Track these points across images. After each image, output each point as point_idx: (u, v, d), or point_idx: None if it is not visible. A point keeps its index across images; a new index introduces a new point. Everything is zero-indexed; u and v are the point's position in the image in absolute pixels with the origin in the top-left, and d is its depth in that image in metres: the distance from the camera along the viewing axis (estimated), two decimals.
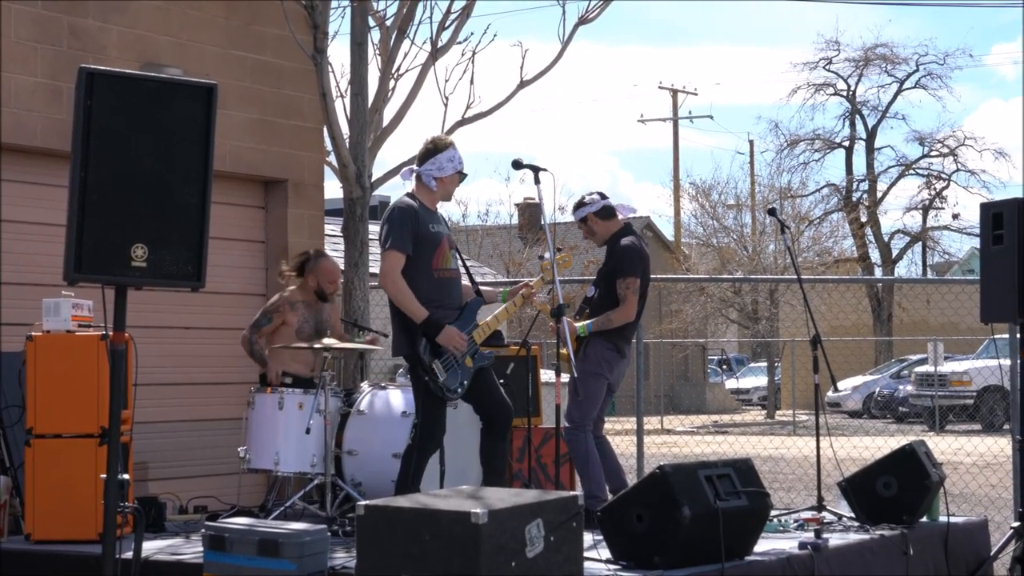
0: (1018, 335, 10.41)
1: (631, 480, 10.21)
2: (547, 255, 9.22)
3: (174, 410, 11.89)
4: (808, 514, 10.03)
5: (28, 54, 10.90)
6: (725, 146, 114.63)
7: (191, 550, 8.79)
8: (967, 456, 16.94)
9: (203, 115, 6.44)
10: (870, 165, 50.67)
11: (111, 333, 6.41)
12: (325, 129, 12.31)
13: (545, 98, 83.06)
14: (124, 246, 6.24)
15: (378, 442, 10.00)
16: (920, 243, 50.88)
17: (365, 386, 10.66)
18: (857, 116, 51.08)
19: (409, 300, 8.66)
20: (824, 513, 10.01)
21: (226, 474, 11.27)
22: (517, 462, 10.55)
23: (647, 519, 7.98)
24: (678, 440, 23.05)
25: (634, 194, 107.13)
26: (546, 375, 12.40)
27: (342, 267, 11.90)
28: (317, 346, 9.99)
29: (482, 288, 9.37)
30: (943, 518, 10.12)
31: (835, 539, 9.17)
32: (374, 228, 12.99)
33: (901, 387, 35.13)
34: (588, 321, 9.89)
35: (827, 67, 50.65)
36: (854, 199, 49.59)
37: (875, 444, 16.14)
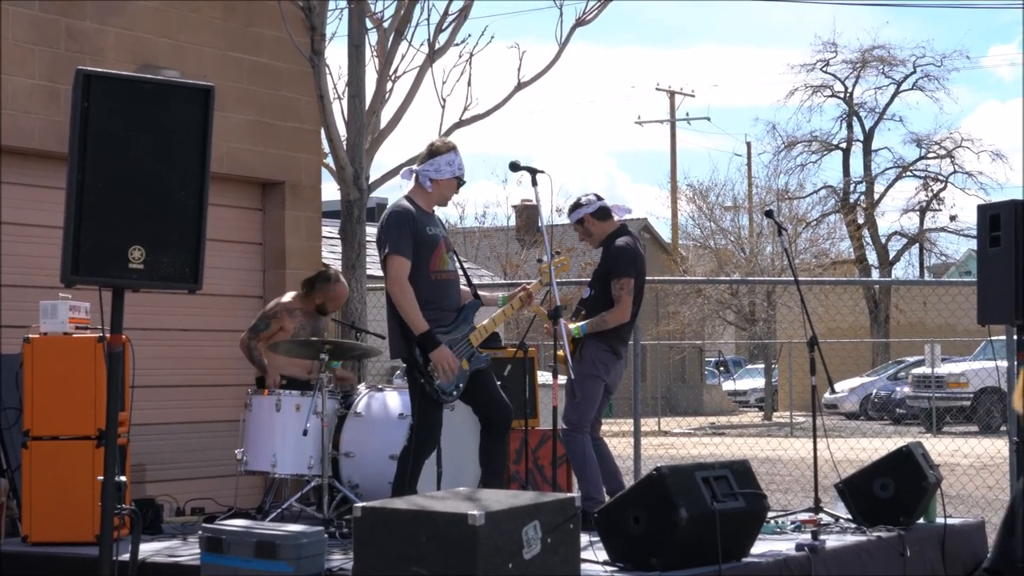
0: (1015, 337, 10.41)
1: (628, 482, 10.21)
2: (545, 258, 9.22)
3: (171, 412, 11.88)
4: (805, 516, 10.04)
5: (25, 56, 10.90)
6: (722, 148, 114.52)
7: (188, 552, 8.79)
8: (964, 458, 16.95)
9: (200, 117, 6.44)
10: (867, 167, 50.67)
11: (108, 335, 6.41)
12: (322, 131, 12.32)
13: (542, 100, 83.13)
14: (121, 248, 6.24)
15: (375, 444, 10.00)
16: (917, 245, 50.87)
17: (362, 388, 10.66)
18: (854, 118, 51.07)
19: (414, 310, 8.64)
20: (821, 515, 10.02)
21: (223, 476, 11.27)
22: (514, 464, 10.55)
23: (644, 521, 7.99)
24: (675, 442, 23.06)
25: (631, 196, 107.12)
26: (543, 377, 12.41)
27: (339, 268, 11.91)
28: (315, 338, 10.00)
29: (481, 293, 9.37)
30: (940, 519, 10.13)
31: (832, 541, 9.18)
32: (371, 230, 12.98)
33: (898, 389, 35.13)
34: (583, 322, 9.89)
35: (824, 69, 50.65)
36: (851, 201, 49.58)
37: (872, 446, 16.16)
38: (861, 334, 42.44)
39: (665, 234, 51.60)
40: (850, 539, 9.36)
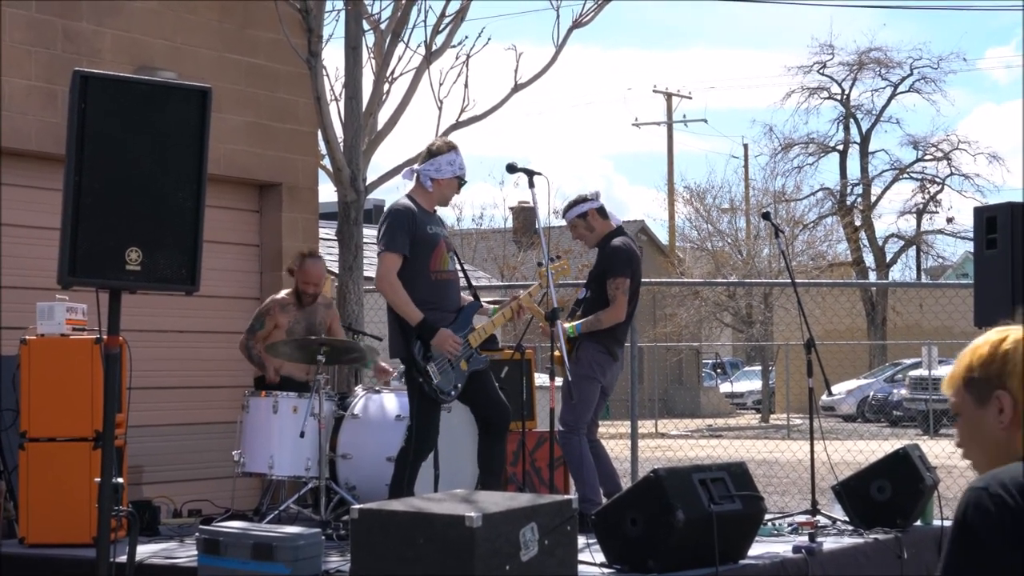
0: None
1: (625, 484, 10.21)
2: (544, 262, 9.21)
3: (168, 414, 11.88)
4: (802, 518, 10.04)
5: (22, 57, 10.90)
6: (719, 150, 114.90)
7: (185, 554, 8.79)
8: (961, 460, 16.91)
9: (197, 119, 6.44)
10: (864, 169, 50.70)
11: (105, 337, 6.40)
12: (319, 133, 12.32)
13: (539, 102, 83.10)
14: (118, 249, 6.24)
15: (372, 446, 10.00)
16: (914, 247, 50.89)
17: (359, 390, 10.66)
18: (851, 120, 51.10)
19: (404, 302, 8.66)
20: (818, 517, 10.02)
21: (220, 478, 11.26)
22: (511, 466, 10.55)
23: (641, 523, 7.99)
24: (672, 444, 23.06)
25: (628, 198, 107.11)
26: (540, 379, 12.40)
27: (336, 271, 11.90)
28: (312, 339, 10.00)
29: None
30: (937, 522, 10.12)
31: (829, 543, 9.17)
32: (368, 232, 12.99)
33: (895, 391, 35.14)
34: (578, 322, 9.88)
35: (821, 71, 50.68)
36: (848, 203, 49.59)
37: (869, 448, 16.15)
38: (858, 336, 42.42)
39: (662, 236, 51.64)
40: (847, 541, 9.36)
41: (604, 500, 9.45)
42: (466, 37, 12.83)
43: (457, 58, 12.76)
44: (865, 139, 51.05)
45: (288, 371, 10.62)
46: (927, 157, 50.79)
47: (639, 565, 7.97)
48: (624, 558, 8.08)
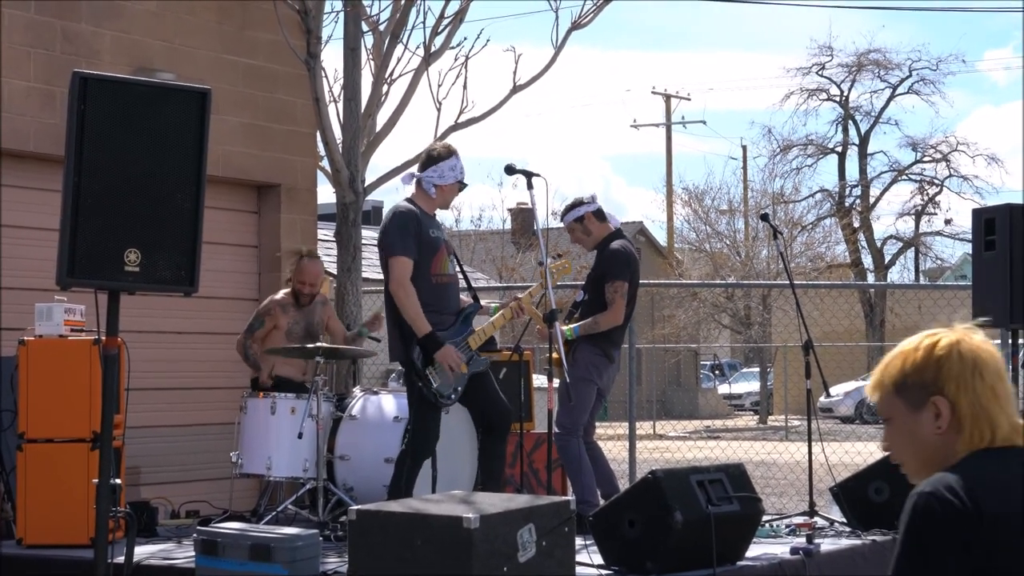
0: (1010, 341, 10.43)
1: (623, 485, 10.21)
2: (546, 261, 9.21)
3: (166, 415, 11.88)
4: (800, 519, 10.05)
5: (21, 59, 10.90)
6: (718, 151, 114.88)
7: (183, 555, 8.79)
8: None
9: (196, 120, 6.45)
10: (863, 170, 50.68)
11: (104, 338, 6.41)
12: (318, 134, 12.32)
13: (538, 103, 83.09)
14: (117, 250, 6.24)
15: (370, 447, 10.00)
16: (913, 248, 50.88)
17: (357, 391, 10.66)
18: (850, 121, 51.08)
19: (416, 311, 8.64)
20: (816, 518, 10.02)
21: (218, 479, 11.27)
22: (509, 467, 10.55)
23: (639, 524, 7.99)
24: (670, 445, 23.04)
25: (627, 199, 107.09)
26: (538, 380, 12.40)
27: (334, 272, 11.90)
28: (309, 347, 10.00)
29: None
30: None
31: (827, 544, 9.18)
32: (367, 233, 13.00)
33: None
34: (575, 324, 9.88)
35: (820, 72, 50.66)
36: (847, 204, 49.58)
37: (867, 449, 16.15)
38: (856, 338, 42.40)
39: (661, 238, 51.62)
40: (845, 543, 9.36)
41: (601, 501, 9.45)
42: (465, 38, 12.87)
43: (456, 59, 12.78)
44: (864, 141, 51.05)
45: (286, 372, 10.62)
46: (926, 159, 50.80)
47: (637, 566, 7.97)
48: (622, 559, 8.08)
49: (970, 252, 10.51)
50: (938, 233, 50.89)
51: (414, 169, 9.19)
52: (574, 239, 10.29)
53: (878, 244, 50.60)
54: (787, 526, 9.93)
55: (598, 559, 8.18)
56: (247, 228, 12.84)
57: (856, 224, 49.03)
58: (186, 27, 12.11)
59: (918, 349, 3.14)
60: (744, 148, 52.55)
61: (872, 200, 50.68)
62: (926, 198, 50.70)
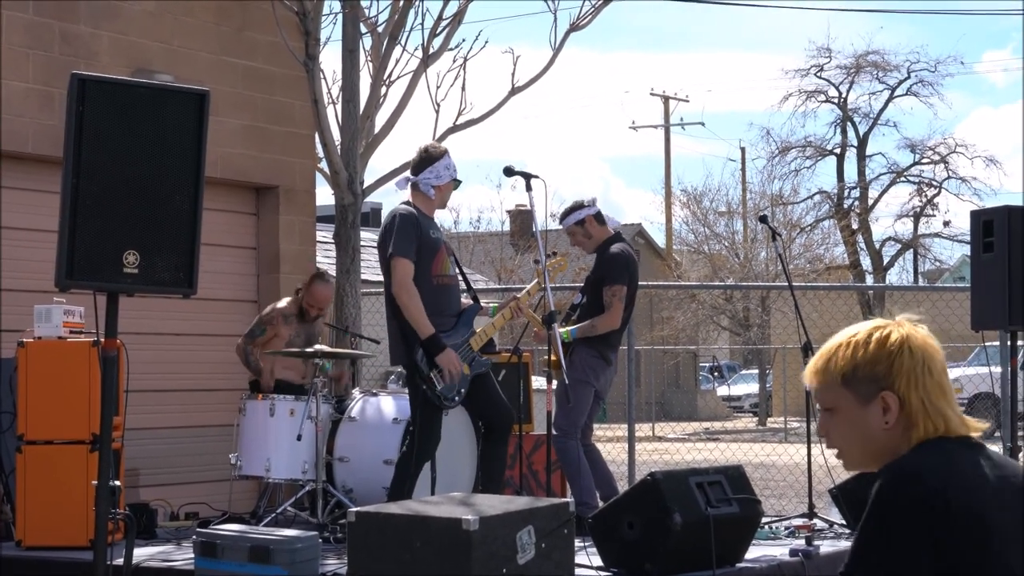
0: (1008, 343, 10.43)
1: (622, 487, 10.21)
2: (542, 261, 9.21)
3: (165, 416, 11.88)
4: (799, 521, 10.05)
5: (20, 60, 10.90)
6: (716, 153, 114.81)
7: (182, 556, 8.79)
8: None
9: (195, 122, 6.44)
10: (861, 172, 50.66)
11: (103, 339, 6.40)
12: (317, 135, 12.32)
13: (537, 105, 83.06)
14: (116, 252, 6.23)
15: (369, 449, 10.00)
16: (911, 250, 50.86)
17: (356, 393, 10.66)
18: (848, 123, 51.06)
19: (419, 312, 8.63)
20: (815, 520, 10.02)
21: (217, 481, 11.27)
22: (508, 469, 10.55)
23: (638, 526, 7.99)
24: (669, 447, 23.03)
25: (625, 201, 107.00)
26: (537, 382, 12.41)
27: (334, 274, 11.90)
28: (308, 350, 10.01)
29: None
30: None
31: (826, 546, 9.18)
32: (366, 235, 13.00)
33: None
34: (573, 327, 9.88)
35: (818, 74, 50.63)
36: (845, 206, 49.56)
37: None
38: None
39: (659, 239, 51.61)
40: (844, 545, 9.36)
41: (600, 503, 9.45)
42: (463, 40, 12.87)
43: (454, 61, 12.79)
44: (862, 142, 51.03)
45: (285, 375, 10.62)
46: (924, 160, 50.77)
47: (636, 568, 7.97)
48: (621, 561, 8.08)
49: (968, 254, 10.50)
50: (936, 235, 50.89)
51: (408, 173, 9.18)
52: (574, 242, 10.29)
53: (877, 246, 50.59)
54: (786, 528, 9.93)
55: (597, 561, 8.18)
56: (246, 230, 12.84)
57: (855, 226, 49.02)
58: (184, 28, 12.11)
59: (870, 342, 3.12)
60: (743, 150, 52.68)
61: (871, 202, 50.67)
62: (924, 200, 50.70)
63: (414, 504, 7.53)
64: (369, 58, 12.44)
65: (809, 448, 10.49)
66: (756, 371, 44.37)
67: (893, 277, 50.69)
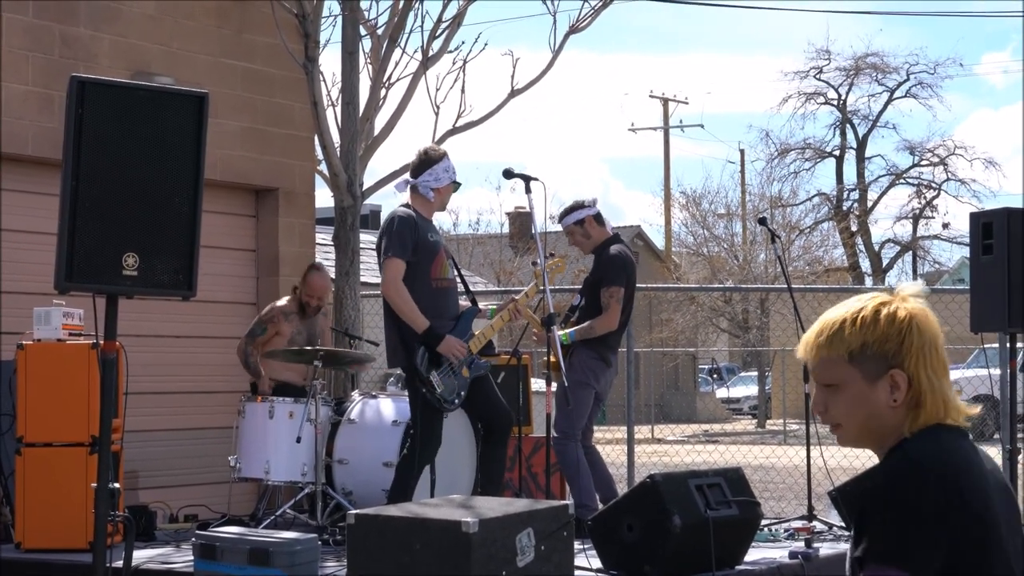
0: (1008, 345, 10.42)
1: (621, 489, 10.21)
2: (540, 263, 9.21)
3: (165, 419, 11.88)
4: (799, 523, 10.05)
5: (20, 62, 10.90)
6: (716, 155, 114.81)
7: (181, 559, 8.79)
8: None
9: (195, 124, 6.44)
10: (860, 174, 50.72)
11: (102, 342, 6.40)
12: (316, 138, 12.32)
13: (536, 107, 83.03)
14: (115, 255, 6.23)
15: (369, 451, 10.01)
16: (910, 252, 50.92)
17: (356, 395, 10.66)
18: (848, 125, 51.12)
19: (411, 309, 8.64)
20: (815, 522, 10.02)
21: (217, 483, 11.27)
22: (507, 471, 10.55)
23: (638, 528, 7.99)
24: (668, 449, 23.03)
25: (624, 203, 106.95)
26: (536, 384, 12.41)
27: (333, 276, 11.90)
28: (308, 348, 10.01)
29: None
30: None
31: (825, 548, 9.18)
32: (365, 237, 12.99)
33: None
34: (571, 329, 9.87)
35: (818, 76, 50.69)
36: (844, 208, 49.62)
37: (866, 453, 16.09)
38: None
39: (658, 241, 51.61)
40: (843, 547, 9.35)
41: (600, 505, 9.45)
42: (463, 42, 12.90)
43: (454, 63, 12.79)
44: (861, 144, 51.09)
45: (285, 376, 10.62)
46: (923, 162, 50.84)
47: (636, 571, 7.97)
48: (621, 564, 8.09)
49: (968, 256, 10.50)
50: (936, 237, 50.95)
51: (407, 176, 9.18)
52: (572, 241, 10.28)
53: (876, 248, 50.65)
54: (786, 530, 9.93)
55: (597, 563, 8.18)
56: (245, 232, 12.84)
57: (854, 228, 49.06)
58: (184, 31, 12.11)
59: (879, 319, 3.05)
60: (742, 152, 52.78)
61: (870, 204, 50.74)
62: (924, 202, 50.75)
63: (413, 506, 7.53)
64: (369, 60, 12.44)
65: (808, 450, 10.49)
66: (755, 373, 44.36)
67: (892, 279, 50.67)
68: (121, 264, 6.25)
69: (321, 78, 11.98)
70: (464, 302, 9.24)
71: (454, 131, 12.61)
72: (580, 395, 9.79)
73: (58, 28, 11.16)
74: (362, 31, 12.36)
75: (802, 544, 9.07)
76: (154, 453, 11.59)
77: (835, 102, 51.02)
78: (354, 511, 7.13)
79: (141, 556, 8.71)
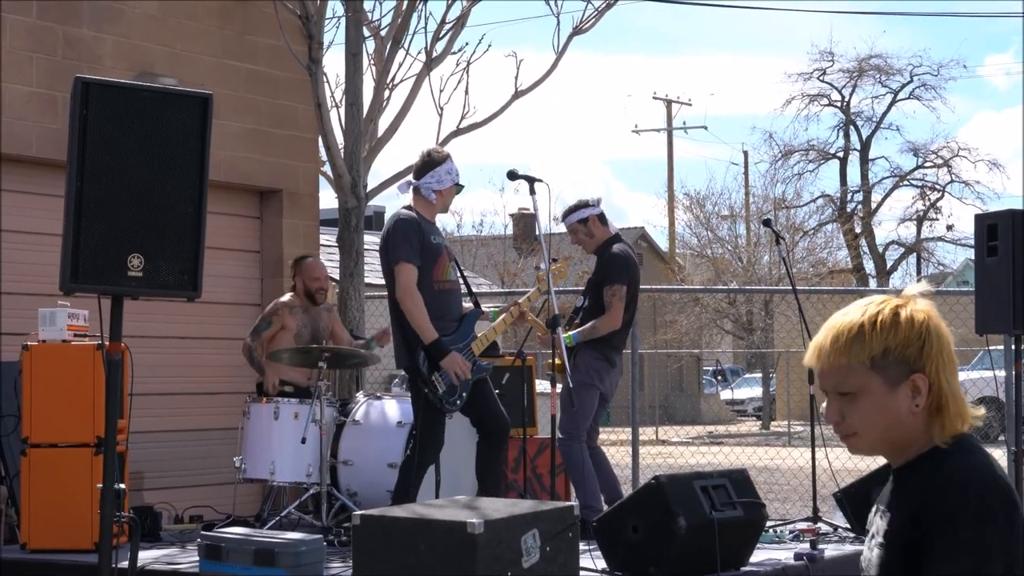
0: (1013, 346, 10.41)
1: (626, 491, 10.21)
2: (543, 266, 9.22)
3: (170, 420, 11.88)
4: (803, 525, 10.04)
5: (23, 63, 10.90)
6: (719, 156, 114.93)
7: (187, 559, 8.80)
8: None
9: (199, 125, 6.44)
10: (864, 176, 50.72)
11: (107, 343, 6.40)
12: (320, 139, 12.32)
13: (540, 108, 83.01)
14: (120, 256, 6.23)
15: (374, 452, 10.00)
16: (915, 254, 50.90)
17: (360, 396, 10.66)
18: (851, 127, 51.11)
19: (423, 318, 8.63)
20: (819, 524, 10.02)
21: (222, 484, 11.26)
22: (512, 472, 10.55)
23: (643, 529, 7.99)
24: (673, 451, 23.02)
25: (628, 204, 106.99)
26: (541, 386, 12.41)
27: (337, 277, 11.91)
28: (314, 347, 10.01)
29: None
30: None
31: (830, 550, 9.18)
32: (369, 238, 13.00)
33: None
34: (574, 331, 9.87)
35: (821, 78, 50.69)
36: (848, 210, 49.60)
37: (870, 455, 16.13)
38: None
39: (662, 243, 51.64)
40: (848, 548, 9.36)
41: (605, 507, 9.45)
42: (466, 44, 12.86)
43: (457, 65, 12.78)
44: (865, 146, 51.08)
45: (290, 377, 10.62)
46: (927, 164, 50.83)
47: (641, 572, 7.97)
48: (626, 565, 8.09)
49: (972, 257, 10.48)
50: (940, 239, 50.95)
51: (410, 177, 9.18)
52: (575, 240, 10.28)
53: (880, 249, 50.63)
54: (791, 531, 9.93)
55: (602, 564, 8.18)
56: (249, 233, 12.84)
57: (858, 229, 49.06)
58: (187, 32, 12.11)
59: (898, 323, 2.99)
60: (745, 153, 52.54)
61: (874, 205, 50.73)
62: (928, 203, 50.74)
63: (418, 507, 7.53)
64: (372, 62, 12.44)
65: (813, 452, 10.49)
66: (759, 375, 44.35)
67: (896, 281, 50.68)
68: (126, 265, 6.25)
69: (325, 79, 11.99)
70: (467, 304, 9.24)
71: (458, 132, 12.61)
72: (585, 396, 9.79)
73: (61, 29, 11.17)
74: (366, 32, 12.36)
75: (807, 545, 9.06)
76: (159, 454, 11.59)
77: (838, 104, 51.04)
78: (359, 512, 7.13)
79: (146, 557, 8.71)
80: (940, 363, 2.99)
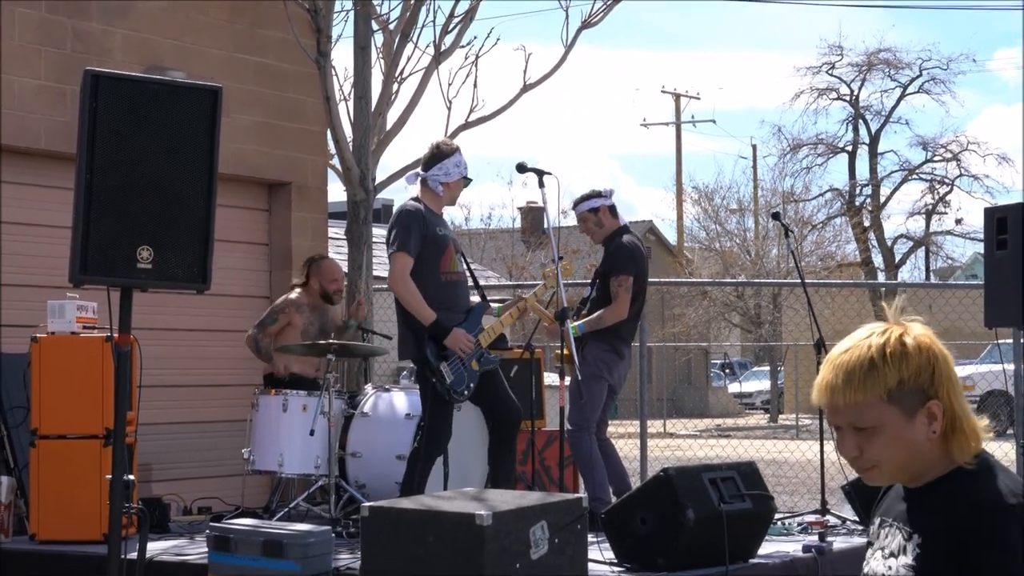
0: (1022, 340, 10.42)
1: (634, 483, 10.21)
2: (551, 264, 9.22)
3: (178, 412, 11.90)
4: (812, 517, 10.04)
5: (32, 57, 10.92)
6: (728, 150, 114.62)
7: (195, 551, 8.81)
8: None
9: (208, 118, 6.45)
10: (873, 170, 50.62)
11: (116, 335, 6.41)
12: (328, 132, 12.33)
13: (548, 102, 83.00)
14: (129, 248, 6.25)
15: (382, 444, 10.01)
16: (923, 248, 50.83)
17: (369, 388, 10.67)
18: (860, 121, 51.02)
19: (418, 302, 8.66)
20: (828, 516, 10.02)
21: (230, 475, 11.29)
22: (520, 465, 10.56)
23: (651, 521, 7.99)
24: (681, 443, 23.07)
25: (636, 198, 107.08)
26: (549, 378, 12.41)
27: (345, 270, 11.92)
28: (322, 343, 10.02)
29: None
30: None
31: (839, 542, 9.18)
32: (378, 231, 13.01)
33: None
34: (581, 322, 9.85)
35: (830, 72, 50.60)
36: (857, 204, 49.53)
37: None
38: None
39: (670, 236, 51.61)
40: (857, 541, 9.36)
41: (613, 499, 9.45)
42: (475, 37, 12.89)
43: (466, 58, 12.79)
44: (874, 140, 50.99)
45: (298, 369, 10.64)
46: (936, 158, 50.74)
47: (649, 563, 7.98)
48: (634, 556, 8.09)
49: (981, 251, 10.49)
50: (949, 232, 50.85)
51: (418, 169, 9.20)
52: (584, 229, 10.25)
53: (888, 243, 50.55)
54: (799, 524, 9.93)
55: (610, 556, 8.19)
56: (258, 226, 12.86)
57: (867, 223, 48.97)
58: (196, 25, 12.12)
59: (907, 352, 2.97)
60: (754, 147, 52.63)
61: (882, 199, 50.64)
62: (936, 197, 50.65)
63: (427, 499, 7.54)
64: (381, 55, 12.44)
65: (821, 444, 10.48)
66: (768, 368, 44.36)
67: (905, 274, 50.63)
68: (135, 257, 6.26)
69: (333, 73, 12.00)
70: (473, 297, 9.25)
71: (466, 126, 12.62)
72: (593, 388, 9.79)
73: (70, 23, 11.19)
74: (374, 26, 12.37)
75: (815, 538, 9.06)
76: (168, 446, 11.61)
77: (847, 98, 50.95)
78: (368, 504, 7.14)
79: (155, 548, 8.73)
80: (950, 386, 2.99)
